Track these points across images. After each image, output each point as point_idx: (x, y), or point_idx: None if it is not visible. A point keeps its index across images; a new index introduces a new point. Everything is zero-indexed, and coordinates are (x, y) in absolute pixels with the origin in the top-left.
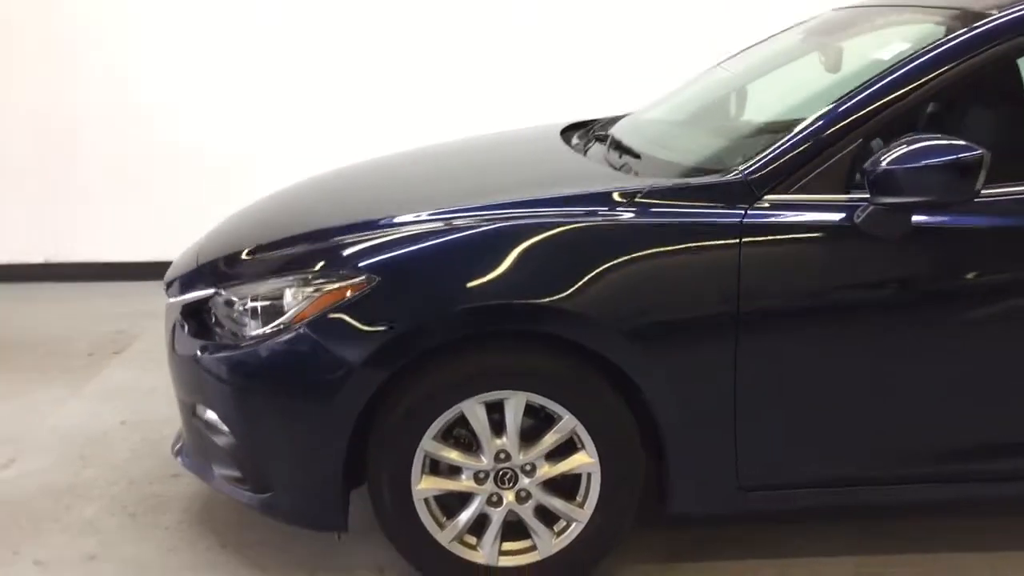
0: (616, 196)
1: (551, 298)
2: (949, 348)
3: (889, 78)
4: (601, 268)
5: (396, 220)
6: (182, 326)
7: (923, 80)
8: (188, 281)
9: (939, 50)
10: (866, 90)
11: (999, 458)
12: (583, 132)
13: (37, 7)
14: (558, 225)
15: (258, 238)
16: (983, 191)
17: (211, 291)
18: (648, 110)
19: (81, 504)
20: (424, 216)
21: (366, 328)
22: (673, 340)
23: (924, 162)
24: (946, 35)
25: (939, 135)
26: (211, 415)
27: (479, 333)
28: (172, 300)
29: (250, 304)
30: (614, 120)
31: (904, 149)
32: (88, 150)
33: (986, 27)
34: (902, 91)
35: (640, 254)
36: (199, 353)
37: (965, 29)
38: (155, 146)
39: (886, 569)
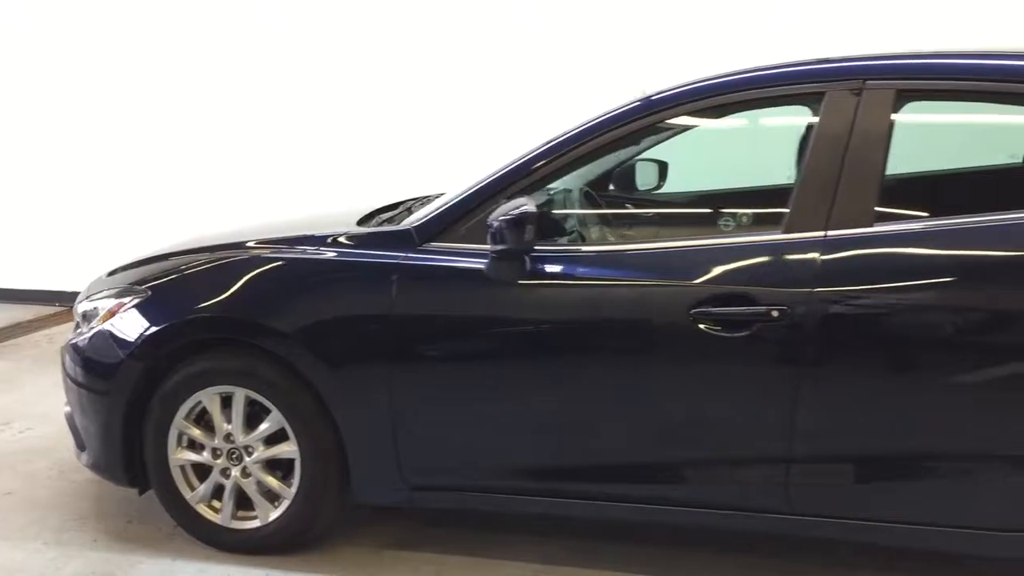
0: (322, 239)
1: (247, 314)
2: (546, 382)
3: (540, 148)
4: (294, 293)
5: (196, 249)
6: (76, 325)
7: (562, 151)
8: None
9: (571, 132)
10: (518, 159)
11: (598, 480)
12: None
13: None
14: (269, 258)
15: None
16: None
17: (86, 300)
18: None
19: (39, 461)
20: (210, 246)
21: (131, 330)
22: (343, 357)
23: (500, 218)
24: None
25: (524, 198)
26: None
27: (210, 338)
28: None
29: (82, 309)
30: None
31: (497, 207)
32: None
33: (601, 117)
34: (543, 160)
35: (323, 284)
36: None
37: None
38: None
39: None
